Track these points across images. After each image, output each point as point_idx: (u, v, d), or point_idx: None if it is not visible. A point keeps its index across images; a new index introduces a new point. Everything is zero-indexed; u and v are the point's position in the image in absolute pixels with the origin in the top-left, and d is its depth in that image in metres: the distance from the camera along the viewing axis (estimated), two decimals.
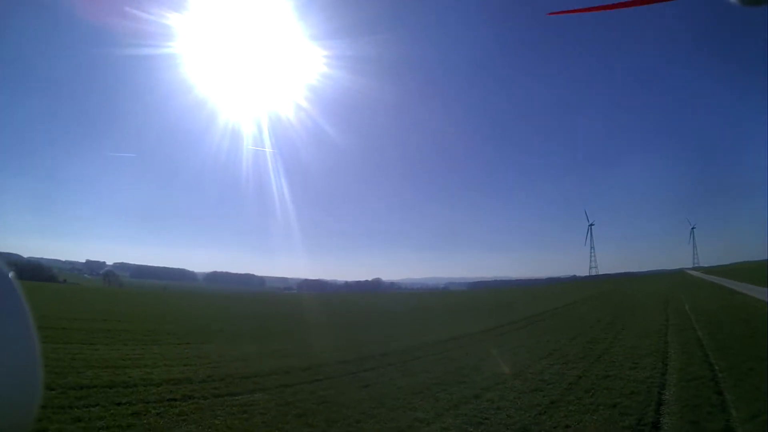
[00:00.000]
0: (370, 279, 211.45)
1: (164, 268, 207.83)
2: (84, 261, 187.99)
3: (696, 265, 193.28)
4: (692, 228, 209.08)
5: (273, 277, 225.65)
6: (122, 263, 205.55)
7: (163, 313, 35.00)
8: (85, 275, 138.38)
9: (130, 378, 10.35)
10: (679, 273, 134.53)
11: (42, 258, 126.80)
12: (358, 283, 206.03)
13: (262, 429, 7.22)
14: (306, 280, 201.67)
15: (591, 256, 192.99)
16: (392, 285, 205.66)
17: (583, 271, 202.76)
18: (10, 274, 0.86)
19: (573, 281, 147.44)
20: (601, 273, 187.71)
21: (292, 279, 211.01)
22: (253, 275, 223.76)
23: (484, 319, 29.97)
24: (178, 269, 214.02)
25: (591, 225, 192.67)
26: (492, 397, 8.95)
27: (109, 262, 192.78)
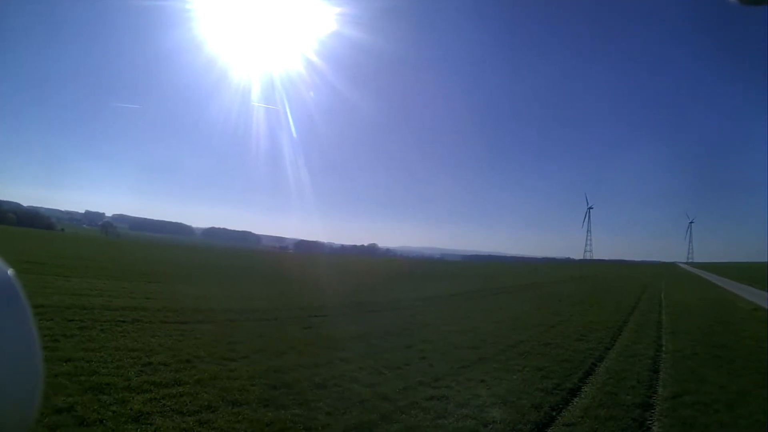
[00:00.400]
0: (366, 244, 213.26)
1: (163, 221, 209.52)
2: (83, 212, 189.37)
3: (690, 260, 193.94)
4: (690, 222, 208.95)
5: (270, 236, 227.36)
6: (121, 215, 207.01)
7: (145, 257, 35.47)
8: (84, 225, 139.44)
9: (91, 303, 10.76)
10: (672, 265, 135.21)
11: (41, 207, 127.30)
12: (354, 247, 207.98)
13: (190, 348, 7.48)
14: (302, 240, 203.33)
15: (587, 240, 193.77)
16: (388, 251, 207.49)
17: (578, 254, 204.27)
18: (10, 272, 0.85)
19: (567, 262, 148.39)
20: (595, 257, 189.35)
21: (289, 239, 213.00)
22: (250, 233, 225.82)
23: (461, 284, 30.37)
24: (177, 223, 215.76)
25: (590, 208, 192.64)
26: (424, 348, 9.13)
27: (108, 214, 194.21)
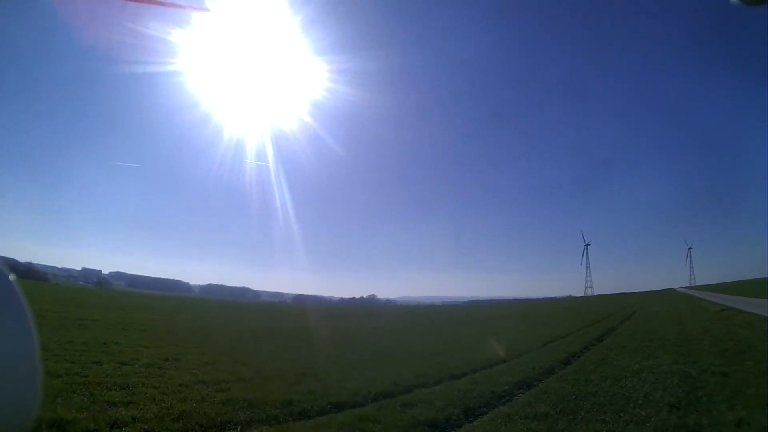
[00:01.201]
0: (365, 296, 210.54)
1: (160, 278, 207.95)
2: (80, 269, 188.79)
3: (692, 284, 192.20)
4: (689, 248, 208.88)
5: (269, 291, 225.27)
6: (118, 272, 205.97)
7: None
8: (80, 282, 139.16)
9: None
10: (670, 290, 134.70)
11: (39, 264, 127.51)
12: (353, 299, 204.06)
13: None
14: (301, 295, 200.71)
15: (586, 276, 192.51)
16: (388, 302, 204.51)
17: (578, 291, 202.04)
18: (11, 276, 0.86)
19: (567, 299, 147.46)
20: (597, 293, 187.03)
21: (287, 294, 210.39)
22: (248, 288, 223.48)
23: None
24: (174, 280, 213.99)
25: (587, 245, 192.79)
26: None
27: (105, 271, 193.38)
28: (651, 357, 9.86)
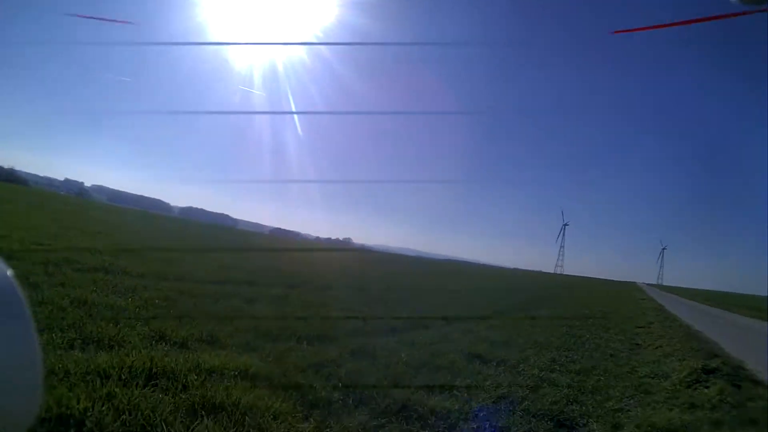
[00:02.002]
0: (341, 238, 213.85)
1: (141, 196, 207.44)
2: (62, 179, 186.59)
3: (660, 282, 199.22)
4: (663, 248, 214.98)
5: (247, 221, 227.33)
6: (100, 186, 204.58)
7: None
8: (62, 192, 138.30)
9: None
10: (630, 283, 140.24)
11: (21, 171, 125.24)
12: (329, 240, 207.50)
13: None
14: (278, 228, 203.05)
15: (559, 255, 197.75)
16: (363, 247, 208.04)
17: (549, 267, 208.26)
18: (9, 272, 0.82)
19: (537, 274, 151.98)
20: (566, 272, 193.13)
21: (265, 226, 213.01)
22: (227, 216, 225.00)
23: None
24: (155, 199, 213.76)
25: (565, 225, 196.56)
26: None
27: (88, 184, 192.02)
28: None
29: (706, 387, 5.95)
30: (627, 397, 5.48)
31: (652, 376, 6.86)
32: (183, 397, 3.59)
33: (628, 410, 4.98)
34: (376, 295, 13.80)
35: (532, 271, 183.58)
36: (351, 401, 4.16)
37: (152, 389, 3.61)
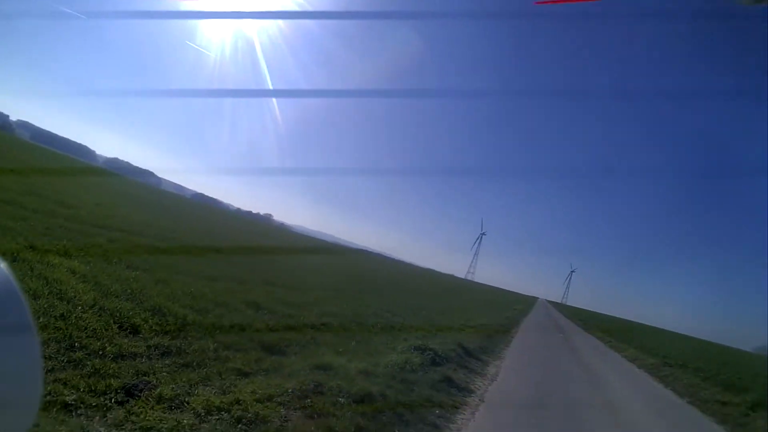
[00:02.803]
0: (262, 213, 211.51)
1: (67, 139, 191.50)
2: None
3: (564, 302, 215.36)
4: (572, 271, 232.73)
5: (171, 182, 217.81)
6: (25, 122, 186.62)
7: None
8: None
9: None
10: (534, 298, 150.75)
11: None
12: (250, 213, 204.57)
13: None
14: (201, 194, 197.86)
15: (472, 262, 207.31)
16: (282, 225, 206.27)
17: (461, 273, 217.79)
18: (2, 265, 0.83)
19: (448, 277, 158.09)
20: (476, 280, 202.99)
21: (189, 189, 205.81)
22: (152, 173, 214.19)
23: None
24: (80, 144, 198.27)
25: (482, 234, 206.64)
26: None
27: (14, 118, 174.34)
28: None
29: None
30: None
31: None
32: None
33: None
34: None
35: (443, 274, 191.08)
36: None
37: None
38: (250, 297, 8.03)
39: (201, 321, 5.63)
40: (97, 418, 2.94)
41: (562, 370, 11.06)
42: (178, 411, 3.26)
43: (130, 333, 4.62)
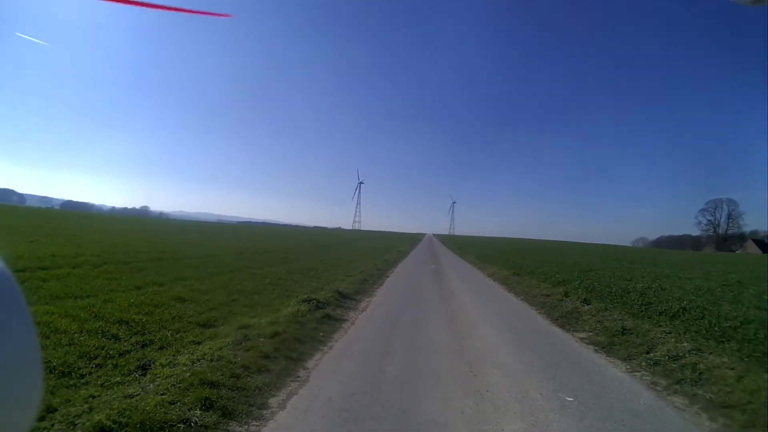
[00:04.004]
0: (138, 207, 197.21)
1: None
2: None
3: (452, 233, 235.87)
4: (453, 203, 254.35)
5: (35, 195, 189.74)
6: None
7: None
8: None
9: None
10: (422, 234, 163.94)
11: None
12: (126, 209, 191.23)
13: None
14: (70, 201, 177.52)
15: (356, 212, 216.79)
16: (161, 215, 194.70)
17: (348, 224, 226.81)
18: (2, 265, 0.84)
19: (336, 231, 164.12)
20: (363, 228, 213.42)
21: (56, 199, 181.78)
22: (13, 191, 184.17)
23: None
24: None
25: (360, 183, 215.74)
26: None
27: None
28: None
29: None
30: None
31: None
32: None
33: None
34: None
35: (330, 229, 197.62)
36: None
37: None
38: (174, 294, 10.48)
39: (152, 320, 8.18)
40: (137, 376, 5.68)
41: (423, 293, 14.82)
42: (176, 366, 6.08)
43: (114, 339, 7.11)
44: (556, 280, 16.90)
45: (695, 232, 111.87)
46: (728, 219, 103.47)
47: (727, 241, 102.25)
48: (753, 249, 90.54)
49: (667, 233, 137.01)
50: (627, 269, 21.25)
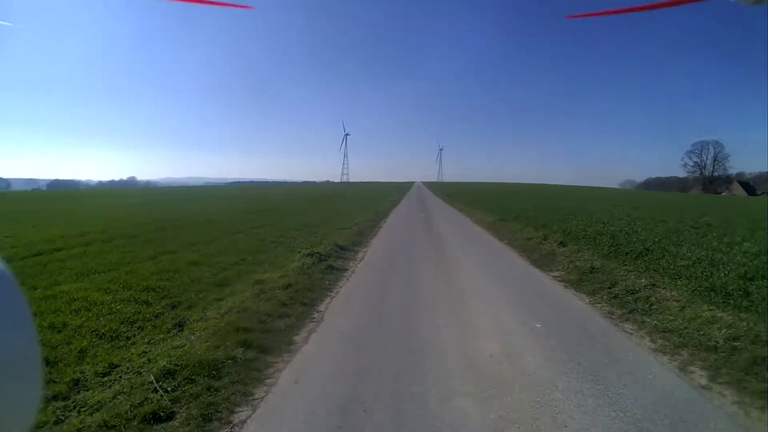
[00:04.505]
0: (125, 178, 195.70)
1: None
2: None
3: (440, 180, 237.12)
4: (440, 149, 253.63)
5: (20, 179, 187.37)
6: None
7: None
8: None
9: None
10: (411, 183, 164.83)
11: None
12: (113, 182, 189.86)
13: None
14: (56, 180, 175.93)
15: (344, 164, 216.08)
16: (148, 184, 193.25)
17: (336, 177, 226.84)
18: (2, 264, 0.84)
19: (326, 185, 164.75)
20: (352, 180, 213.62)
21: (41, 180, 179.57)
22: None
23: None
24: None
25: (347, 135, 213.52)
26: None
27: None
28: None
29: None
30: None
31: None
32: None
33: None
34: None
35: (319, 183, 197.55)
36: None
37: None
38: (188, 260, 11.47)
39: (174, 284, 9.22)
40: (176, 332, 6.75)
41: (414, 241, 15.99)
42: (208, 320, 7.14)
43: (146, 305, 8.13)
44: (538, 224, 17.90)
45: (682, 174, 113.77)
46: (714, 161, 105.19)
47: (713, 183, 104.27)
48: (739, 191, 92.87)
49: (654, 175, 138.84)
50: (607, 212, 22.52)
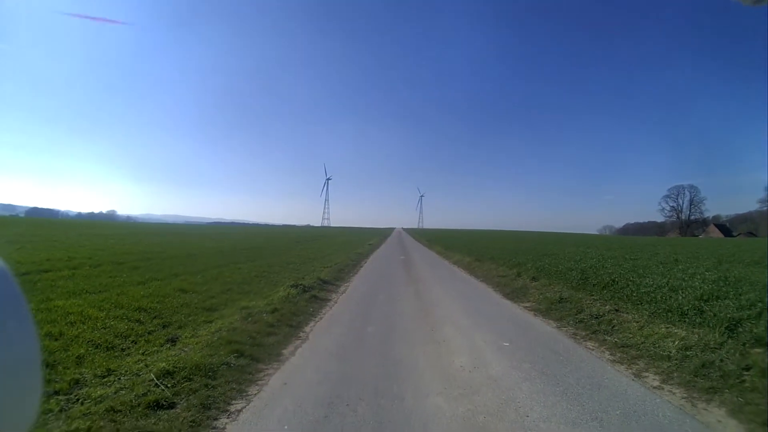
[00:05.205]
0: (105, 211, 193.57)
1: None
2: None
3: (420, 226, 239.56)
4: (421, 196, 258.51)
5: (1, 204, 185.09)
6: None
7: None
8: None
9: None
10: (392, 228, 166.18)
11: None
12: (92, 214, 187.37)
13: None
14: (35, 208, 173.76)
15: (325, 208, 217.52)
16: (129, 218, 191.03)
17: (317, 221, 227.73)
18: (1, 263, 0.85)
19: (306, 228, 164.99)
20: (333, 225, 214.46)
21: (20, 206, 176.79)
22: None
23: None
24: None
25: (328, 179, 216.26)
26: None
27: None
28: None
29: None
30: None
31: None
32: None
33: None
34: None
35: (299, 226, 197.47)
36: None
37: None
38: (175, 286, 11.81)
39: (164, 307, 9.57)
40: (169, 346, 7.13)
41: (394, 278, 16.61)
42: (200, 337, 7.53)
43: (138, 323, 8.47)
44: (513, 263, 18.56)
45: (660, 218, 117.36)
46: (690, 205, 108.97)
47: (690, 226, 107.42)
48: (715, 233, 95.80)
49: (633, 221, 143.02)
50: (581, 253, 23.56)
